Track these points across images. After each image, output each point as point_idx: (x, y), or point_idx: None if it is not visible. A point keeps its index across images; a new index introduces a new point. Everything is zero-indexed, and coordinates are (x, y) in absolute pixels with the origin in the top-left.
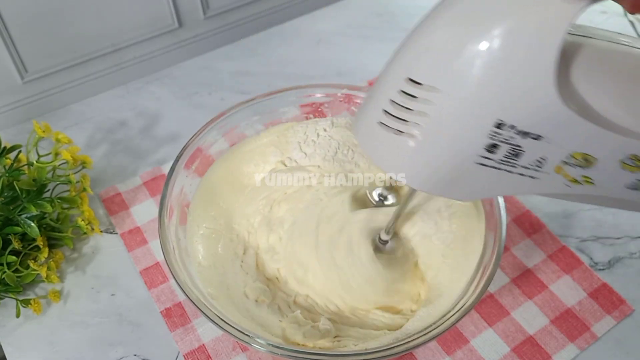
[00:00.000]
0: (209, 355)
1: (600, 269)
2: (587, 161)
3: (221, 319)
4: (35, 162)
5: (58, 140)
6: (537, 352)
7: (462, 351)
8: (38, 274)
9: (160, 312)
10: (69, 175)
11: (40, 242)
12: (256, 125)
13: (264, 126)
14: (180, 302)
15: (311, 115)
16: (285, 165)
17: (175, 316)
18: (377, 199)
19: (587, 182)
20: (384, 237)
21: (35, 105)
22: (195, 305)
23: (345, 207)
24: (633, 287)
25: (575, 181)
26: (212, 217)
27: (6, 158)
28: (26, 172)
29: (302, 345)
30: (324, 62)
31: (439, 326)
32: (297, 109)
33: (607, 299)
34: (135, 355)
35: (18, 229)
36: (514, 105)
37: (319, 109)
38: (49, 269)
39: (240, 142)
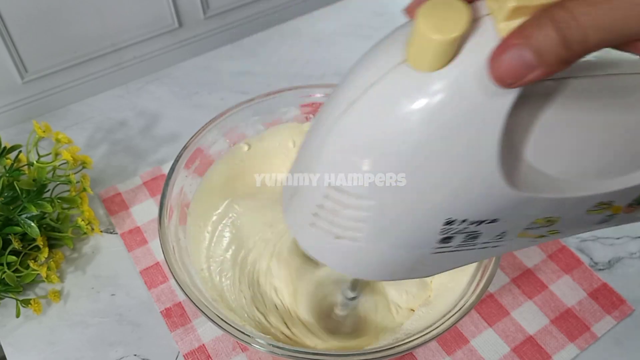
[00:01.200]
0: (209, 355)
1: (600, 269)
2: (550, 221)
3: (221, 319)
4: (35, 162)
5: (58, 140)
6: (537, 352)
7: (462, 351)
8: (38, 274)
9: (160, 312)
10: (69, 175)
11: (40, 242)
12: (256, 125)
13: (264, 126)
14: (180, 302)
15: (311, 116)
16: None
17: (175, 316)
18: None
19: (553, 233)
20: (349, 294)
21: (35, 105)
22: (195, 305)
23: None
24: (633, 287)
25: (541, 236)
26: (211, 217)
27: (6, 158)
28: (26, 172)
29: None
30: (324, 62)
31: (439, 326)
32: (297, 109)
33: (607, 299)
34: (135, 355)
35: (18, 229)
36: (460, 203)
37: (319, 109)
38: (49, 269)
39: (240, 141)
